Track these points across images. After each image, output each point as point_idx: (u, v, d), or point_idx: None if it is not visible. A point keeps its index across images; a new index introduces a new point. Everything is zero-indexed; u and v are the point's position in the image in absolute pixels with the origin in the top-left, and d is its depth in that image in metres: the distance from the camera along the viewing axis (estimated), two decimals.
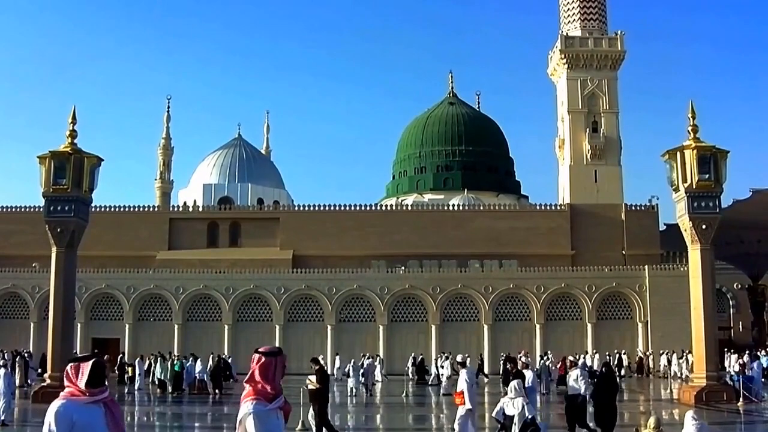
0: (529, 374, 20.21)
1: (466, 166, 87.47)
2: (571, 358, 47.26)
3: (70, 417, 5.86)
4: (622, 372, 52.67)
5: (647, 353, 58.64)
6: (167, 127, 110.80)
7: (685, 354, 51.53)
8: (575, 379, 20.26)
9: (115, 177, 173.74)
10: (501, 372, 36.51)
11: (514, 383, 18.69)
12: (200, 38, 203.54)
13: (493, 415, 19.68)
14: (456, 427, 17.99)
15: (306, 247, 69.58)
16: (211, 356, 43.87)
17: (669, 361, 54.61)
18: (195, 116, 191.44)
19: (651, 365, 57.98)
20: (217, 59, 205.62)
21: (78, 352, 54.11)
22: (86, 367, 6.03)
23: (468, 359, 24.98)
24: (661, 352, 56.75)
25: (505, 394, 19.48)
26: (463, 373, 18.63)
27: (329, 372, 37.71)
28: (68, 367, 6.12)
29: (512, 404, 18.09)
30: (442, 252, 67.56)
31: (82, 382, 5.99)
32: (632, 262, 65.90)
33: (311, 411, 19.79)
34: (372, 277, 62.48)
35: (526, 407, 17.83)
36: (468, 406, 17.79)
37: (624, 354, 56.29)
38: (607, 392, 19.87)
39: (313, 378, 19.78)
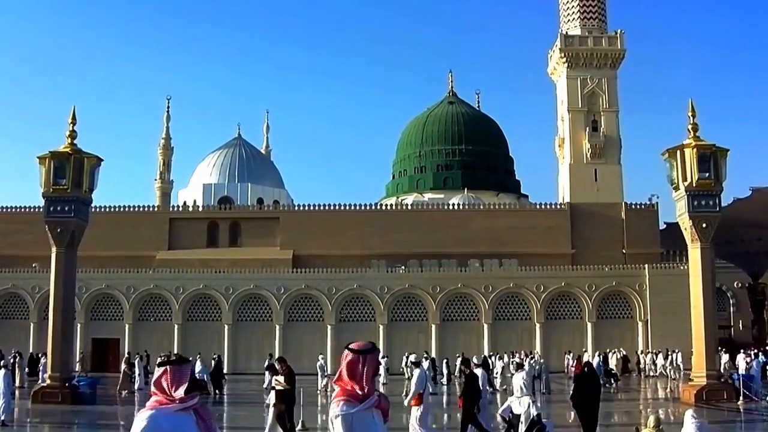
0: (480, 373, 19.68)
1: (465, 166, 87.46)
2: (587, 357, 48.01)
3: (160, 427, 5.34)
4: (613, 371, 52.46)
5: (638, 352, 58.39)
6: (167, 127, 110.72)
7: (670, 353, 51.76)
8: (518, 380, 19.29)
9: (115, 177, 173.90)
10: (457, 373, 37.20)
11: (521, 382, 18.72)
12: (200, 38, 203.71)
13: (500, 413, 19.64)
14: (417, 428, 17.84)
15: (306, 247, 69.58)
16: (215, 357, 43.96)
17: (654, 361, 54.69)
18: (195, 116, 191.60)
19: (642, 364, 57.52)
20: (216, 59, 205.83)
21: (82, 353, 54.20)
22: (182, 374, 5.44)
23: (424, 359, 24.78)
24: (649, 351, 56.70)
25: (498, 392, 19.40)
26: (416, 373, 18.39)
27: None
28: (160, 372, 5.46)
29: (518, 403, 18.10)
30: (442, 251, 67.56)
31: (180, 391, 5.39)
32: (632, 261, 65.89)
33: (271, 412, 19.41)
34: (372, 277, 62.49)
35: (532, 406, 17.86)
36: (421, 408, 17.58)
37: (613, 353, 55.68)
38: (590, 393, 19.31)
39: (281, 378, 19.47)
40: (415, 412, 17.78)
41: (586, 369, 20.47)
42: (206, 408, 5.57)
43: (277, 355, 36.52)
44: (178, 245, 70.85)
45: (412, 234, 69.59)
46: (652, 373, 54.37)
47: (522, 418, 17.80)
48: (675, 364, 50.76)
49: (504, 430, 19.22)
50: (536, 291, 61.39)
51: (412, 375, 21.76)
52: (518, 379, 18.95)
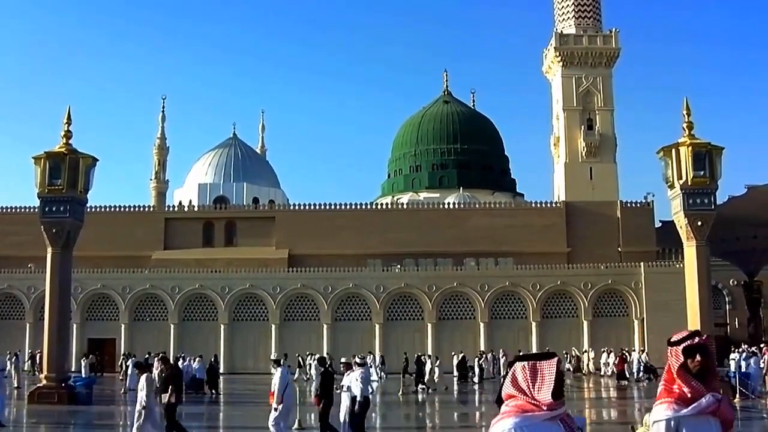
0: (358, 372, 19.40)
1: (461, 165, 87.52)
2: (626, 353, 49.06)
3: None
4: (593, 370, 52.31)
5: (584, 351, 58.17)
6: (162, 127, 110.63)
7: (613, 352, 52.15)
8: (355, 380, 18.82)
9: (110, 177, 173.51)
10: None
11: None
12: (195, 37, 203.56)
13: None
14: (271, 428, 17.69)
15: (302, 246, 69.56)
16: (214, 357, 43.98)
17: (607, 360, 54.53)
18: (190, 116, 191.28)
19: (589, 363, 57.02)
20: (212, 58, 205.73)
21: (86, 353, 54.17)
22: (548, 370, 4.43)
23: (284, 359, 24.52)
24: (603, 349, 56.60)
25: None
26: (276, 372, 18.21)
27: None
28: (517, 369, 4.49)
29: None
30: (437, 250, 67.58)
31: (545, 394, 4.37)
32: (628, 259, 65.96)
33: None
34: (368, 276, 62.47)
35: None
36: (276, 405, 17.57)
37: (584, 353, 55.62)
38: None
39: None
40: (274, 412, 17.71)
41: None
42: (571, 417, 4.61)
43: (274, 355, 36.40)
44: (173, 245, 70.79)
45: (408, 233, 69.60)
46: (605, 373, 53.89)
47: None
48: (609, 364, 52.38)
49: None
50: (532, 290, 61.42)
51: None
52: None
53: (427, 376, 42.42)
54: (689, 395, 4.75)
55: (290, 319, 61.77)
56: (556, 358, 4.47)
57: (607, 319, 61.67)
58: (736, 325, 72.49)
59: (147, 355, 37.49)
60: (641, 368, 49.03)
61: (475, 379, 49.49)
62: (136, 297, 61.59)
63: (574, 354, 57.05)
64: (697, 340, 4.88)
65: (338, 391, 19.24)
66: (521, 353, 4.79)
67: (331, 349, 57.32)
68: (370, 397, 19.65)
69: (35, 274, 55.84)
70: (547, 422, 4.36)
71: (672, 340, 4.93)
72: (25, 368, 53.59)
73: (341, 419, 18.94)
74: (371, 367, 38.18)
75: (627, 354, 51.62)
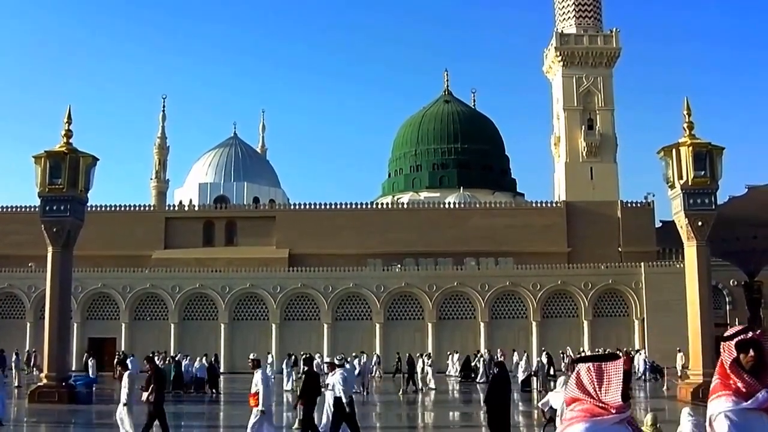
0: (339, 373, 19.45)
1: (461, 164, 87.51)
2: (633, 353, 48.31)
3: None
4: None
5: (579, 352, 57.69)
6: (162, 126, 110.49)
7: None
8: (337, 382, 18.95)
9: (110, 176, 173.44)
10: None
11: (562, 377, 19.03)
12: (195, 37, 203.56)
13: (539, 405, 19.73)
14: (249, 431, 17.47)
15: (302, 246, 69.56)
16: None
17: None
18: (190, 115, 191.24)
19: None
20: (212, 58, 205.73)
21: (87, 352, 54.21)
22: (615, 372, 4.26)
23: (264, 360, 24.62)
24: (597, 350, 56.26)
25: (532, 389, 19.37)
26: (257, 374, 17.97)
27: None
28: (582, 371, 4.33)
29: (557, 398, 18.26)
30: (438, 250, 67.58)
31: (614, 396, 4.21)
32: (628, 259, 65.98)
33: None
34: (368, 276, 62.49)
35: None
36: (261, 407, 17.49)
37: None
38: (501, 395, 18.74)
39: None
40: (254, 412, 17.59)
41: (497, 370, 19.49)
42: (634, 421, 4.44)
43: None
44: (174, 244, 70.81)
45: (408, 233, 69.62)
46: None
47: (559, 412, 17.87)
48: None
49: (543, 423, 19.29)
50: (532, 289, 61.45)
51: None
52: (560, 379, 19.23)
53: (419, 375, 42.62)
54: (744, 390, 4.61)
55: (290, 319, 61.80)
56: (621, 359, 4.34)
57: (607, 319, 61.70)
58: (737, 325, 72.43)
59: (155, 354, 37.43)
60: (647, 368, 48.82)
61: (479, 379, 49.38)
62: (137, 296, 61.63)
63: (568, 354, 56.13)
64: (750, 335, 4.75)
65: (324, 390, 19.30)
66: (583, 354, 4.51)
67: (332, 348, 57.34)
68: (351, 397, 19.54)
69: (36, 273, 55.87)
70: (616, 426, 4.23)
71: (725, 335, 4.79)
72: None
73: (323, 419, 19.09)
74: (356, 368, 38.29)
75: (634, 354, 51.38)
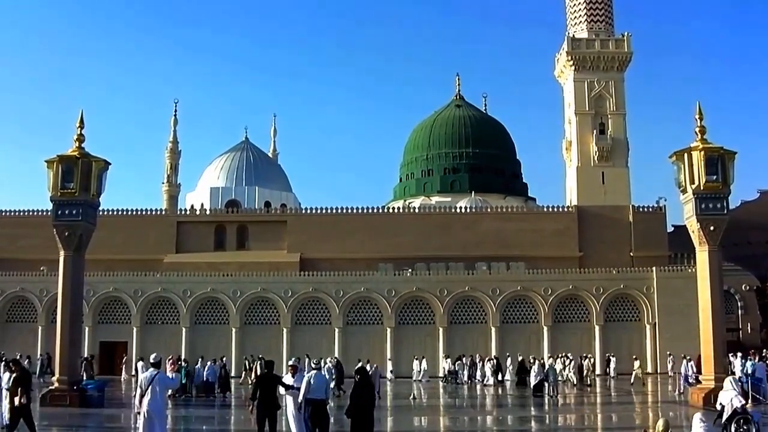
0: (289, 379, 19.40)
1: (473, 169, 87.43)
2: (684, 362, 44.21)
3: None
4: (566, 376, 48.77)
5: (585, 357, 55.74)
6: (174, 131, 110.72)
7: (615, 357, 51.15)
8: (303, 384, 18.72)
9: (122, 180, 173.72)
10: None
11: (728, 378, 20.07)
12: (208, 43, 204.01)
13: (717, 406, 20.36)
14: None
15: (313, 250, 69.60)
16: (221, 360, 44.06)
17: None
18: (202, 120, 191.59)
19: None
20: (224, 63, 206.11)
21: (88, 355, 54.31)
22: None
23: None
24: (607, 355, 55.50)
25: None
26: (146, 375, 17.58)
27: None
28: None
29: (726, 396, 19.26)
30: (449, 254, 67.52)
31: None
32: (640, 263, 65.79)
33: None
34: (379, 280, 62.51)
35: (734, 399, 18.99)
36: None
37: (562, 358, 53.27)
38: (364, 401, 18.18)
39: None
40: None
41: (358, 377, 18.70)
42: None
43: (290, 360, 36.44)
44: (185, 248, 70.96)
45: (420, 237, 69.60)
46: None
47: (726, 409, 19.00)
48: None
49: (715, 417, 19.75)
50: (544, 294, 61.35)
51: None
52: (728, 379, 20.09)
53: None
54: None
55: (302, 323, 61.88)
56: None
57: (618, 323, 61.57)
58: (749, 330, 72.17)
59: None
60: (693, 374, 40.79)
61: (487, 381, 49.33)
62: (148, 300, 61.82)
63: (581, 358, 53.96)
64: None
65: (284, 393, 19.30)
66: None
67: (342, 352, 57.45)
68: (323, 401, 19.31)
69: (48, 277, 56.09)
70: None
71: None
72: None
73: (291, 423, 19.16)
74: (332, 372, 38.65)
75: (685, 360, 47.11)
